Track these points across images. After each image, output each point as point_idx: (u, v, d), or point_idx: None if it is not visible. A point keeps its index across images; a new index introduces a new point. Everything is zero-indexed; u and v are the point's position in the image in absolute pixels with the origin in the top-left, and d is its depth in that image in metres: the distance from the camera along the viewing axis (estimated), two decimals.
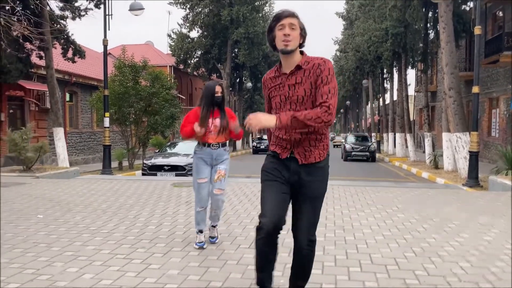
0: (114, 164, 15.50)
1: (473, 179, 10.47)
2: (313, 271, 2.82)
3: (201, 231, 4.21)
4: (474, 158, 10.78)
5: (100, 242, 4.35)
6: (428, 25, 19.94)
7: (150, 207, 6.25)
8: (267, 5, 32.94)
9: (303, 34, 2.50)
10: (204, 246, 4.14)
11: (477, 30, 11.26)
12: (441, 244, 4.32)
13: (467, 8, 18.62)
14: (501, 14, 19.25)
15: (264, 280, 2.68)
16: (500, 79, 19.43)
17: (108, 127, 12.97)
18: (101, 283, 3.22)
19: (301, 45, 2.52)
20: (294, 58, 2.50)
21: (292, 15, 2.48)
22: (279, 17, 2.48)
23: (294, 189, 2.59)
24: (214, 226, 4.39)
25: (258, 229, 2.58)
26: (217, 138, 4.17)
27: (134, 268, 3.57)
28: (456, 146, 13.67)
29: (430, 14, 19.01)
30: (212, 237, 4.37)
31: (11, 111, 15.87)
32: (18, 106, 16.24)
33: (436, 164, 16.55)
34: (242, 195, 7.45)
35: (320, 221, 5.17)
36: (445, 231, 4.90)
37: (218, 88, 4.18)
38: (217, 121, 4.14)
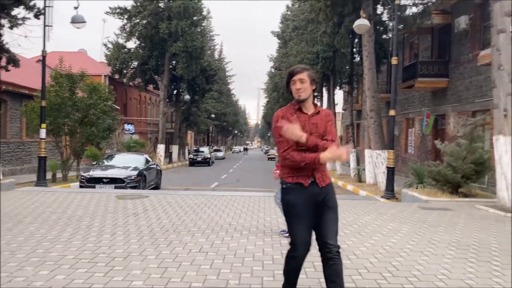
0: (48, 175, 15.17)
1: (390, 192, 11.89)
2: (255, 267, 3.55)
3: None
4: (390, 173, 12.19)
5: (62, 249, 4.75)
6: (354, 50, 21.90)
7: (100, 218, 6.64)
8: (205, 20, 33.72)
9: (313, 83, 3.08)
10: None
11: (394, 61, 12.86)
12: (357, 245, 5.28)
13: (388, 37, 20.78)
14: (416, 43, 21.69)
15: None
16: (415, 102, 21.79)
17: (44, 138, 12.86)
18: (74, 282, 3.71)
19: (314, 90, 3.13)
20: (309, 103, 3.10)
21: (301, 71, 3.05)
22: (291, 74, 3.08)
23: (318, 208, 3.01)
24: None
25: (292, 256, 3.10)
26: None
27: (100, 269, 4.07)
28: (376, 162, 15.28)
29: (356, 40, 20.93)
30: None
31: None
32: None
33: (359, 178, 18.14)
34: (187, 207, 8.03)
35: (258, 228, 5.89)
36: (361, 235, 5.90)
37: None
38: None
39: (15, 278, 3.74)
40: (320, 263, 3.10)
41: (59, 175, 16.62)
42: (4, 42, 14.10)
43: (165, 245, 5.09)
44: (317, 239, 3.06)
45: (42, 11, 13.05)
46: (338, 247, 3.04)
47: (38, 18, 13.37)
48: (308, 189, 2.99)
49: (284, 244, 5.24)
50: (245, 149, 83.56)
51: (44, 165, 12.77)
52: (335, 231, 3.05)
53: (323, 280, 3.16)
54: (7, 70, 14.77)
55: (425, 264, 4.54)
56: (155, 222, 6.47)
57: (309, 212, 2.99)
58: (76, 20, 13.14)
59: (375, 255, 4.87)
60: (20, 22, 13.58)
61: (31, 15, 13.38)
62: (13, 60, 14.50)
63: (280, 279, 3.92)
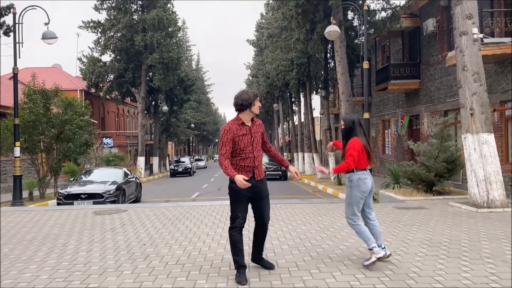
0: (24, 194, 14.88)
1: None
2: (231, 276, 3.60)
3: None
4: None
5: (36, 269, 4.71)
6: (329, 55, 22.28)
7: (77, 235, 6.57)
8: (180, 31, 33.75)
9: None
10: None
11: (365, 65, 13.17)
12: (332, 249, 5.38)
13: (360, 42, 21.21)
14: (388, 46, 22.18)
15: (240, 261, 4.20)
16: (390, 104, 22.23)
17: (18, 157, 12.65)
18: None
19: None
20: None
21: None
22: (256, 95, 4.28)
23: (255, 195, 4.28)
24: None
25: (233, 228, 4.26)
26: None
27: None
28: None
29: (330, 46, 21.30)
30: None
31: None
32: None
33: (339, 181, 18.34)
34: (165, 219, 8.02)
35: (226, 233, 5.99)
36: (337, 237, 6.01)
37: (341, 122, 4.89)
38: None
39: None
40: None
41: (36, 193, 16.32)
42: None
43: (141, 259, 5.09)
44: (257, 217, 4.44)
45: (12, 28, 12.91)
46: (268, 222, 4.49)
47: (8, 36, 13.23)
48: (248, 181, 4.05)
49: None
50: None
51: (20, 184, 12.55)
52: (268, 213, 4.45)
53: (252, 279, 4.05)
54: None
55: (398, 263, 4.66)
56: (132, 236, 6.45)
57: (247, 196, 4.24)
58: (47, 36, 13.01)
59: (350, 257, 4.97)
60: None
61: (0, 32, 13.22)
62: None
63: (256, 286, 3.99)
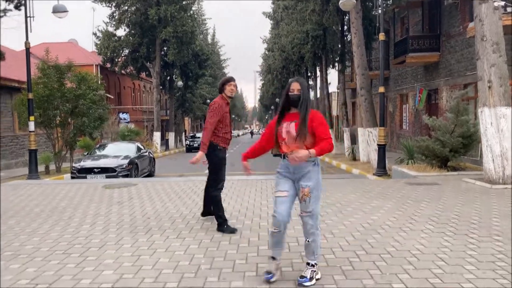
0: (41, 168, 15.17)
1: (381, 169, 11.86)
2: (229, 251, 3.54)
3: (273, 258, 3.48)
4: (382, 150, 12.14)
5: (38, 242, 4.75)
6: (345, 27, 21.63)
7: (83, 209, 6.62)
8: (195, 4, 33.23)
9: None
10: (272, 279, 3.40)
11: (381, 37, 12.67)
12: (336, 224, 5.27)
13: (377, 13, 20.48)
14: (407, 18, 21.39)
15: (223, 215, 5.09)
16: (408, 77, 21.61)
17: (33, 131, 12.79)
18: (44, 274, 3.70)
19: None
20: None
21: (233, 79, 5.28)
22: (229, 80, 5.23)
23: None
24: (308, 264, 3.46)
25: (219, 189, 5.22)
26: (291, 147, 3.40)
27: (73, 260, 4.07)
28: (368, 139, 15.23)
29: (347, 18, 20.64)
30: (302, 277, 3.37)
31: None
32: None
33: (354, 157, 18.10)
34: (173, 193, 8.02)
35: (241, 212, 5.94)
36: (343, 213, 5.89)
37: (294, 85, 3.45)
38: (292, 126, 3.40)
39: None
40: (253, 240, 4.19)
41: (52, 167, 16.62)
42: None
43: (143, 232, 5.09)
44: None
45: (23, 2, 12.83)
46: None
47: (19, 9, 13.15)
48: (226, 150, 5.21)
49: (263, 228, 5.23)
50: (251, 133, 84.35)
51: (35, 158, 12.73)
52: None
53: (250, 254, 4.17)
54: None
55: (402, 240, 4.53)
56: (138, 210, 6.46)
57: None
58: (58, 10, 12.92)
59: (353, 233, 4.85)
60: (1, 14, 13.37)
61: (11, 6, 13.16)
62: None
63: (254, 261, 3.92)
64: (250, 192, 7.86)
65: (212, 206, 5.33)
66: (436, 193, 7.27)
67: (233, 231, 4.96)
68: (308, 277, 3.36)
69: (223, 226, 5.04)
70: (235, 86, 5.28)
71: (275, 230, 3.42)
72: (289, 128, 3.40)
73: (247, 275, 3.59)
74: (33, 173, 12.48)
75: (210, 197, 5.33)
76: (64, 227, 5.43)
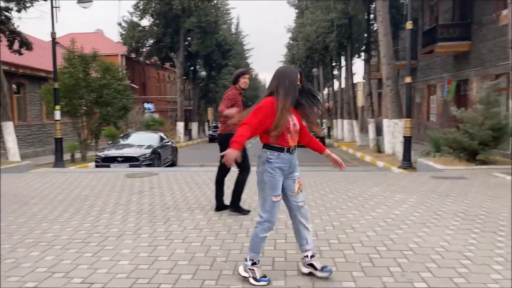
0: (67, 156, 15.49)
1: (407, 162, 11.55)
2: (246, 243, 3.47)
3: (258, 262, 3.32)
4: (407, 142, 11.80)
5: (59, 230, 4.80)
6: (372, 16, 21.10)
7: (104, 198, 6.69)
8: None
9: None
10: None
11: (409, 25, 12.24)
12: (357, 218, 5.12)
13: (405, 1, 19.87)
14: (436, 6, 20.68)
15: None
16: (437, 68, 20.97)
17: (59, 120, 13.03)
18: (61, 263, 3.73)
19: None
20: None
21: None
22: (244, 73, 5.51)
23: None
24: (313, 256, 3.40)
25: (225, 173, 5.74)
26: (295, 140, 3.32)
27: (91, 249, 4.08)
28: (393, 131, 14.87)
29: (373, 6, 20.11)
30: (324, 268, 3.31)
31: None
32: None
33: (379, 148, 17.75)
34: (193, 183, 8.01)
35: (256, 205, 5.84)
36: (364, 207, 5.73)
37: (299, 75, 3.28)
38: (294, 118, 3.26)
39: (5, 260, 3.78)
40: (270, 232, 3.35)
41: (78, 155, 16.96)
42: (16, 25, 14.22)
43: (161, 222, 5.08)
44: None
45: None
46: None
47: (46, 0, 13.35)
48: None
49: (281, 220, 5.14)
50: None
51: (61, 146, 12.97)
52: None
53: (267, 248, 3.85)
54: (20, 54, 14.96)
55: (425, 236, 4.36)
56: (157, 199, 6.47)
57: None
58: (83, 0, 13.04)
59: (374, 228, 4.71)
60: (28, 5, 13.62)
61: None
62: (26, 44, 14.64)
63: (270, 255, 3.84)
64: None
65: (236, 187, 5.59)
66: (463, 188, 7.00)
67: (247, 212, 5.48)
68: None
69: (239, 205, 5.55)
70: (249, 78, 5.66)
71: (268, 234, 3.30)
72: (294, 120, 3.24)
73: (263, 269, 3.51)
74: (59, 161, 12.73)
75: (242, 181, 5.57)
76: (84, 215, 5.49)
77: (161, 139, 15.01)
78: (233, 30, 47.92)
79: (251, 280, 3.23)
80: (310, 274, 3.36)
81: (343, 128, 28.05)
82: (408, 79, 12.37)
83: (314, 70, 33.86)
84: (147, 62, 31.45)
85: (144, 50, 30.25)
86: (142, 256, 3.90)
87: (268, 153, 3.21)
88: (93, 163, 14.32)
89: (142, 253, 3.97)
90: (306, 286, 3.19)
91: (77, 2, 13.11)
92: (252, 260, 3.28)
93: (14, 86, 18.84)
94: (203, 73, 32.46)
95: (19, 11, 13.33)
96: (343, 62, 29.09)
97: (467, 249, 3.93)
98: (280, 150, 3.21)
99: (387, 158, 15.15)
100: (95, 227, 4.89)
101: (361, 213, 5.39)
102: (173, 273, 3.47)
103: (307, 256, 3.38)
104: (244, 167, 5.51)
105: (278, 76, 3.25)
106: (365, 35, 21.80)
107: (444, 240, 4.21)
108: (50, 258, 3.84)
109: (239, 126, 3.12)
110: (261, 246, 3.33)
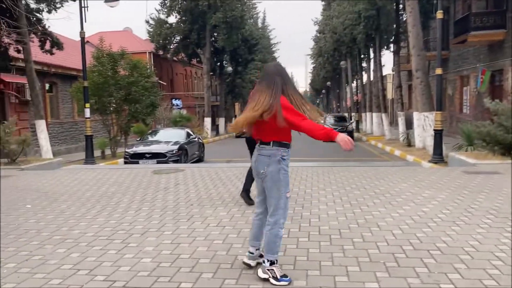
0: (97, 153, 15.88)
1: (438, 156, 11.21)
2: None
3: (277, 261, 3.29)
4: (438, 136, 11.46)
5: (85, 226, 4.90)
6: (401, 6, 20.52)
7: (131, 194, 6.79)
8: None
9: None
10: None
11: (439, 15, 11.83)
12: (383, 216, 4.99)
13: None
14: None
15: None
16: (470, 58, 20.23)
17: (88, 118, 13.34)
18: (86, 260, 3.79)
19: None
20: None
21: None
22: None
23: None
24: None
25: None
26: None
27: (115, 247, 4.14)
28: (424, 124, 14.44)
29: None
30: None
31: None
32: None
33: (409, 142, 17.31)
34: (218, 180, 8.03)
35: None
36: (391, 204, 5.58)
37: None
38: None
39: (32, 257, 3.89)
40: (294, 231, 3.69)
41: (108, 152, 17.35)
42: (47, 26, 14.62)
43: (185, 219, 5.10)
44: None
45: None
46: None
47: (74, 0, 13.66)
48: None
49: (306, 217, 5.07)
50: None
51: (91, 144, 13.28)
52: None
53: (289, 246, 3.94)
54: (51, 54, 15.38)
55: (454, 235, 4.19)
56: (182, 196, 6.52)
57: None
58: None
59: (401, 226, 4.56)
60: (58, 5, 13.97)
61: None
62: (56, 43, 15.04)
63: (293, 254, 3.78)
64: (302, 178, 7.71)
65: (249, 175, 5.80)
66: (497, 183, 6.71)
67: (252, 203, 5.63)
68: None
69: (249, 194, 5.87)
70: None
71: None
72: None
73: (283, 269, 3.46)
74: (89, 158, 13.04)
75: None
76: (110, 212, 5.58)
77: (188, 135, 15.15)
78: (260, 25, 47.76)
79: (272, 281, 3.19)
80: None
81: (372, 122, 27.53)
82: (438, 71, 11.98)
83: (342, 62, 33.36)
84: (174, 58, 31.77)
85: (171, 47, 30.57)
86: (164, 253, 3.92)
87: (281, 150, 3.20)
88: (122, 160, 14.62)
89: (165, 251, 3.99)
90: (328, 286, 3.12)
91: (104, 1, 13.34)
92: (270, 261, 3.23)
93: (46, 85, 19.45)
94: (230, 69, 32.51)
95: (49, 12, 13.70)
96: (371, 54, 28.47)
97: (499, 249, 3.75)
98: (289, 146, 3.27)
99: (418, 152, 14.75)
100: (120, 224, 4.97)
101: (387, 210, 5.25)
102: (194, 272, 3.47)
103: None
104: None
105: (281, 73, 3.28)
106: (394, 26, 21.24)
107: (475, 239, 4.04)
108: (75, 255, 3.91)
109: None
110: (280, 245, 3.30)
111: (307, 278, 3.27)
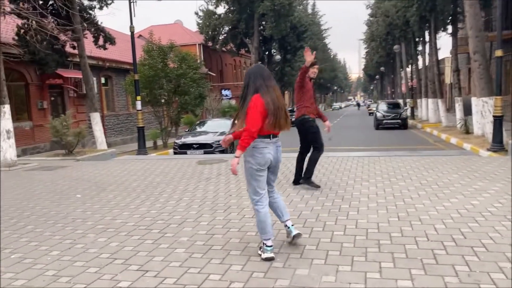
0: (150, 143, 16.46)
1: (497, 144, 10.50)
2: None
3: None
4: (498, 122, 10.73)
5: (127, 216, 5.09)
6: None
7: (174, 184, 6.96)
8: None
9: None
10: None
11: None
12: (427, 209, 4.73)
13: None
14: None
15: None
16: None
17: (140, 110, 13.82)
18: (123, 249, 3.93)
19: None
20: None
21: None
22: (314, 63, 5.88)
23: None
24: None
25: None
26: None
27: (152, 236, 4.26)
28: (483, 110, 13.54)
29: None
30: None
31: (52, 98, 17.10)
32: (58, 93, 17.44)
33: (467, 129, 16.36)
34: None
35: (322, 192, 5.66)
36: (438, 196, 5.28)
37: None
38: None
39: (75, 246, 4.09)
40: (330, 224, 4.04)
41: (160, 142, 17.93)
42: (99, 22, 15.24)
43: (222, 210, 5.15)
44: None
45: None
46: None
47: None
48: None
49: (343, 210, 4.92)
50: (358, 105, 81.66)
51: (143, 135, 13.78)
52: None
53: (323, 240, 3.95)
54: (105, 49, 16.04)
55: (504, 231, 3.89)
56: (222, 186, 6.58)
57: None
58: None
59: (445, 220, 4.31)
60: (109, 2, 14.50)
61: None
62: (109, 39, 15.66)
63: (325, 248, 3.69)
64: (346, 168, 7.52)
65: (309, 163, 6.15)
66: None
67: (317, 186, 6.03)
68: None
69: (310, 179, 6.11)
70: (317, 69, 6.15)
71: None
72: None
73: (314, 263, 3.38)
74: (141, 149, 13.55)
75: (314, 159, 6.14)
76: (153, 202, 5.75)
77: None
78: (309, 11, 46.95)
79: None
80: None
81: (428, 108, 26.28)
82: (499, 52, 11.15)
83: (396, 47, 31.99)
84: (223, 49, 32.06)
85: (220, 37, 30.86)
86: (198, 244, 3.97)
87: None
88: (172, 150, 15.04)
89: (199, 241, 4.04)
90: (357, 282, 3.01)
91: None
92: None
93: (102, 79, 20.37)
94: (278, 57, 32.30)
95: (101, 8, 14.27)
96: (426, 37, 27.05)
97: None
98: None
99: (476, 140, 13.91)
100: (160, 214, 5.10)
101: (432, 203, 4.98)
102: (224, 263, 3.48)
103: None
104: (318, 145, 6.12)
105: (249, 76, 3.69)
106: (451, 5, 19.97)
107: None
108: (114, 245, 4.07)
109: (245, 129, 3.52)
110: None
111: (336, 273, 3.17)
